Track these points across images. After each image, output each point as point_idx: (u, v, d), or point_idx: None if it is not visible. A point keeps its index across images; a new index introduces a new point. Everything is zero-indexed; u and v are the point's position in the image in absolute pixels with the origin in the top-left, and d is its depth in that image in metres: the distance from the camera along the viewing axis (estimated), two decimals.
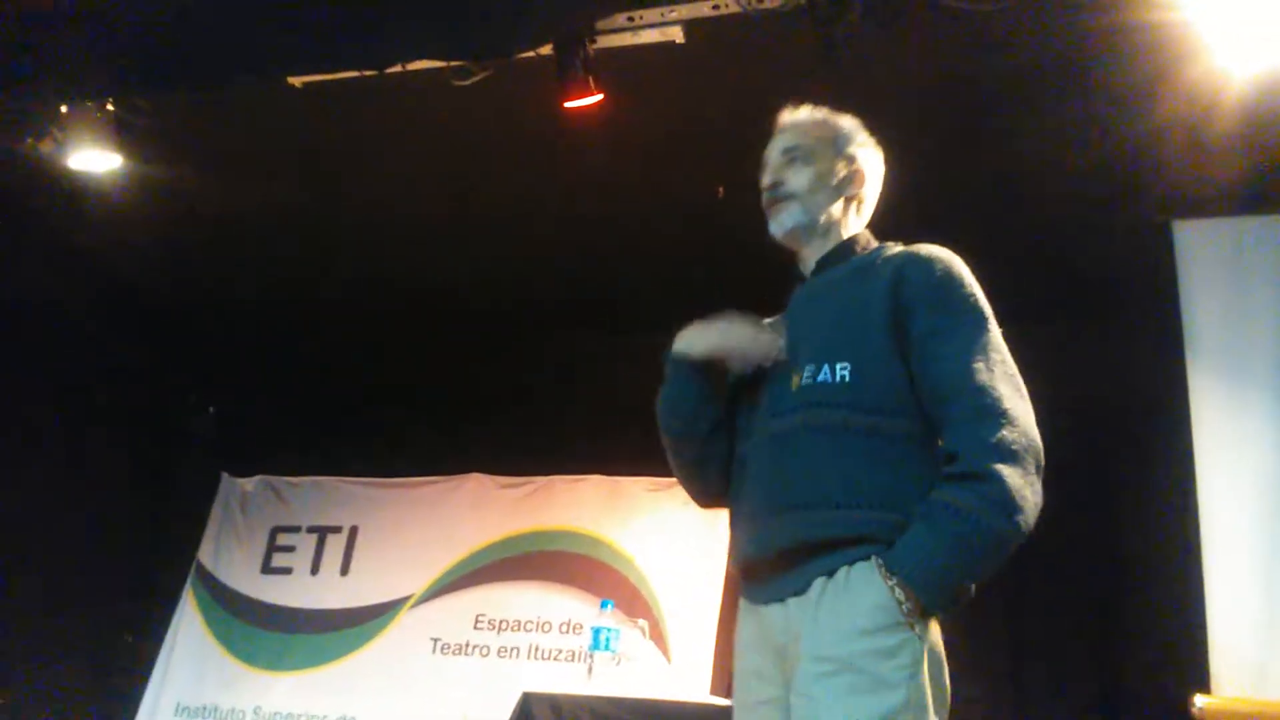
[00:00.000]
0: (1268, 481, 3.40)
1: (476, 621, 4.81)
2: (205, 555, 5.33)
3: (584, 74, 3.11)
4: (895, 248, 1.74)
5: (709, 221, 4.07)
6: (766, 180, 1.80)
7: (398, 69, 3.20)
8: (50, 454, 4.71)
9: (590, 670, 3.82)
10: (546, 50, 3.13)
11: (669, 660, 4.41)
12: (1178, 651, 3.52)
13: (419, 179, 4.18)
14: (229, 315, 5.37)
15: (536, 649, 4.67)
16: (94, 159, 3.73)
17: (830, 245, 1.76)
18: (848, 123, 1.82)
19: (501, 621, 4.79)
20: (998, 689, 4.10)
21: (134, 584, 5.22)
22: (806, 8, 2.86)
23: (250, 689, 4.92)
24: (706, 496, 1.79)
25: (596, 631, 3.91)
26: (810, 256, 1.78)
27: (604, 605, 4.10)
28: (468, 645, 4.77)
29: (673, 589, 4.58)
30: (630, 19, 3.07)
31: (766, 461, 1.61)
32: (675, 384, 1.74)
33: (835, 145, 1.79)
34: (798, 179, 1.75)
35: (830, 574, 1.48)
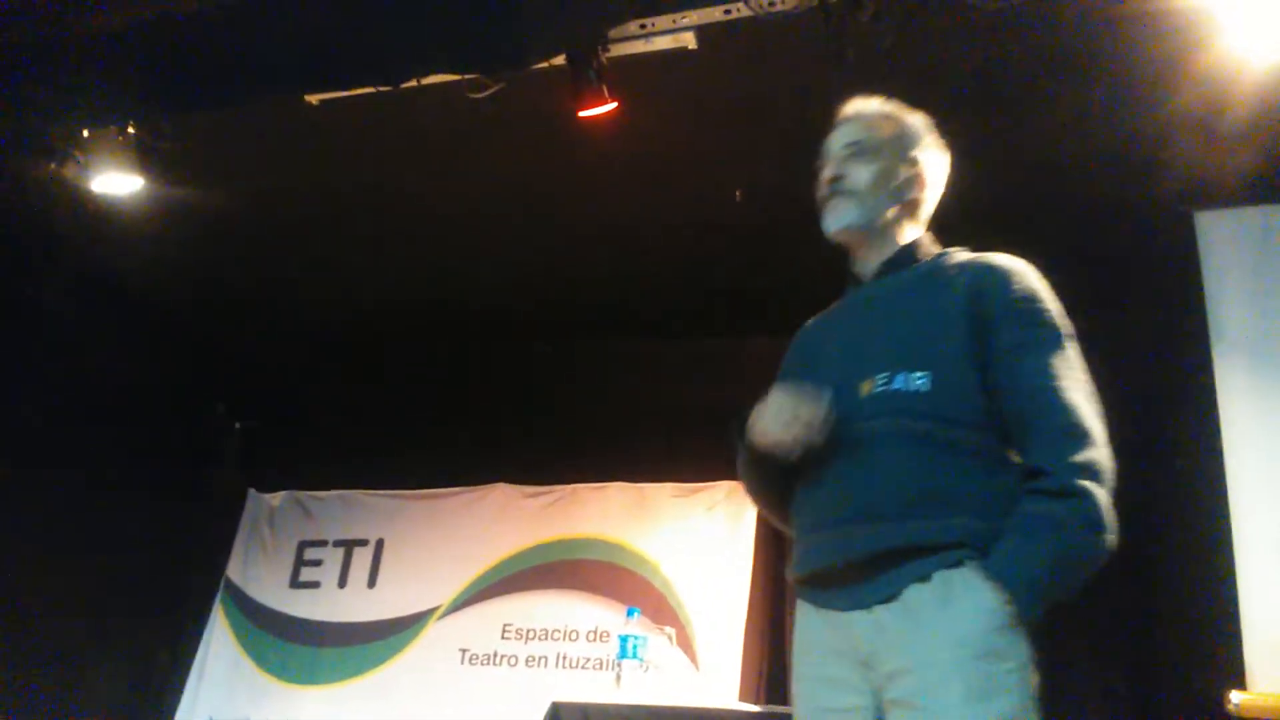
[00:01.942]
0: None
1: (504, 631, 4.81)
2: (234, 571, 5.37)
3: (598, 83, 3.11)
4: (961, 253, 1.71)
5: (727, 226, 4.06)
6: (828, 173, 1.76)
7: (413, 83, 3.22)
8: (78, 473, 4.74)
9: (619, 678, 3.82)
10: (560, 61, 3.14)
11: (697, 667, 4.39)
12: (1212, 647, 3.47)
13: (438, 192, 4.19)
14: (253, 332, 5.42)
15: (564, 658, 4.66)
16: (116, 181, 3.77)
17: (888, 248, 1.73)
18: (916, 122, 1.79)
19: (529, 631, 4.79)
20: (1039, 667, 4.05)
21: (165, 600, 5.25)
22: (818, 9, 2.85)
23: (281, 702, 4.94)
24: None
25: (624, 640, 3.90)
26: (866, 258, 1.75)
27: (630, 613, 4.09)
28: (496, 655, 4.77)
29: (699, 595, 4.56)
30: (643, 26, 3.08)
31: (841, 468, 1.55)
32: (755, 472, 1.73)
33: (900, 145, 1.76)
34: (859, 175, 1.72)
35: (924, 579, 1.44)
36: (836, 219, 1.73)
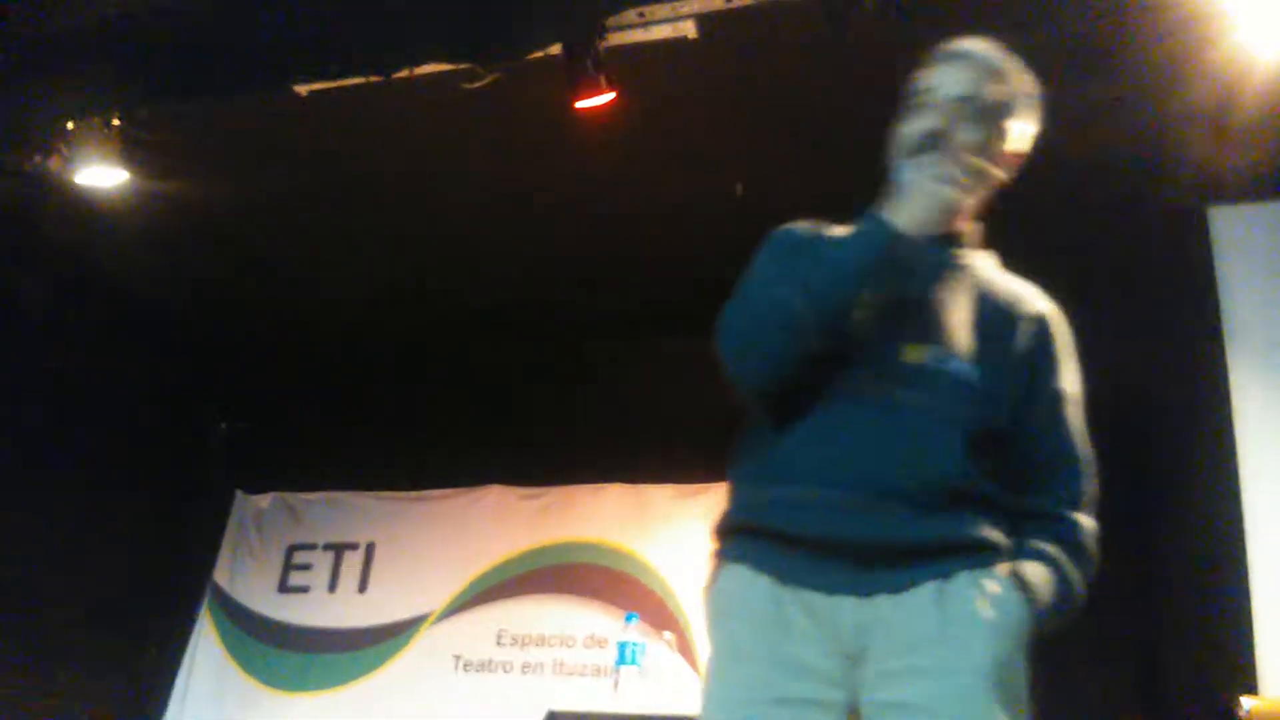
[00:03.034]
0: None
1: (499, 638, 4.77)
2: (221, 575, 5.32)
3: (595, 73, 3.07)
4: (994, 259, 1.61)
5: (728, 220, 4.01)
6: (930, 123, 1.48)
7: (405, 74, 3.17)
8: (60, 472, 4.70)
9: (616, 685, 3.77)
10: (556, 50, 3.09)
11: (697, 673, 4.33)
12: (1223, 652, 3.45)
13: (430, 186, 4.15)
14: (240, 330, 5.37)
15: (561, 665, 4.60)
16: (101, 174, 3.74)
17: (953, 223, 1.54)
18: (1028, 85, 1.57)
19: (525, 637, 4.74)
20: (1038, 690, 4.02)
21: (151, 603, 5.20)
22: None
23: (270, 711, 4.89)
24: (787, 383, 1.44)
25: (622, 646, 3.86)
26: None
27: (629, 618, 4.04)
28: (490, 662, 4.72)
29: (699, 599, 4.50)
30: (641, 15, 3.04)
31: (868, 430, 1.41)
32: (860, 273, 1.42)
33: (1007, 113, 1.53)
34: (969, 136, 1.47)
35: (946, 577, 1.35)
36: (945, 195, 1.45)
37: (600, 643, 4.55)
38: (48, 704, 4.60)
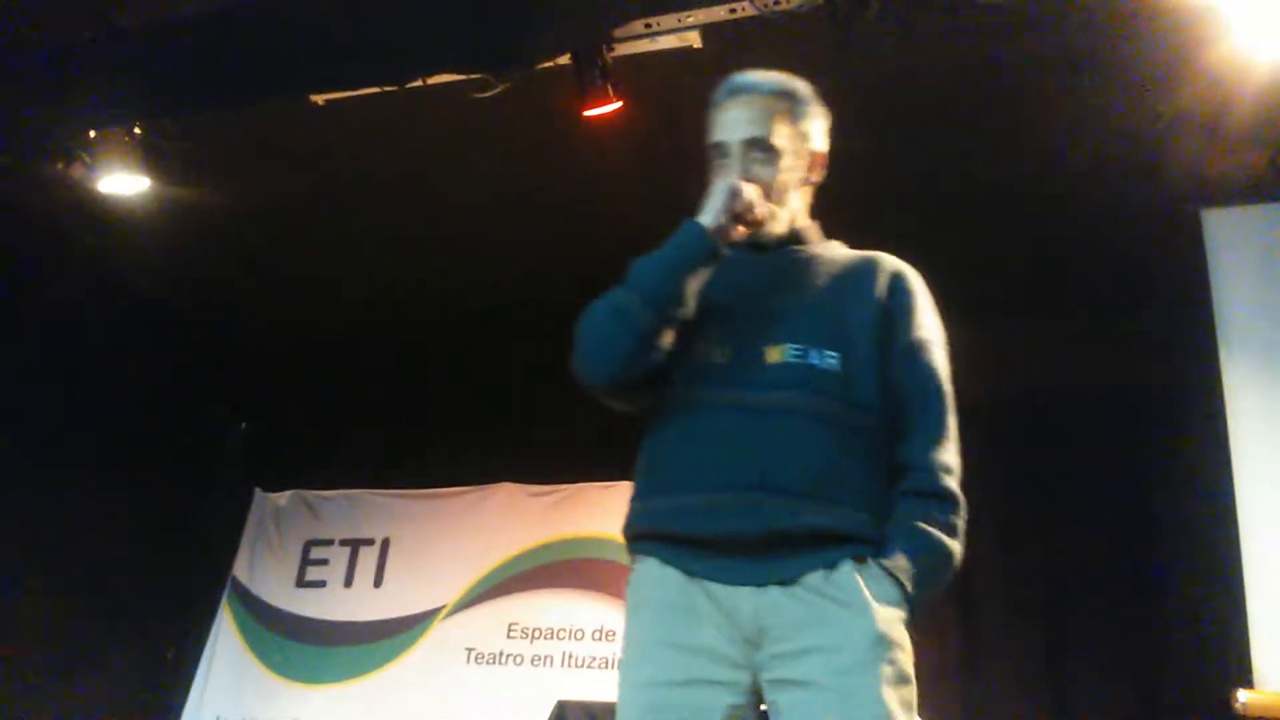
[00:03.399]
0: None
1: (510, 630, 4.81)
2: (240, 570, 5.37)
3: (603, 82, 3.11)
4: (840, 245, 1.75)
5: None
6: (727, 162, 1.67)
7: (418, 83, 3.22)
8: (84, 472, 4.74)
9: None
10: (565, 60, 3.14)
11: None
12: (1219, 646, 3.48)
13: (442, 192, 4.19)
14: (259, 331, 5.42)
15: (570, 657, 4.65)
16: (123, 182, 3.79)
17: (789, 224, 1.69)
18: (805, 93, 1.72)
19: (535, 630, 4.79)
20: (1038, 685, 4.06)
21: (171, 600, 5.25)
22: (824, 7, 2.85)
23: (288, 702, 4.94)
24: (629, 375, 1.58)
25: None
26: (767, 230, 1.69)
27: None
28: (502, 654, 4.77)
29: None
30: (648, 25, 3.08)
31: (742, 432, 1.51)
32: (671, 290, 1.57)
33: (800, 137, 1.68)
34: (765, 174, 1.64)
35: (831, 567, 1.47)
36: (733, 193, 1.61)
37: (608, 635, 4.60)
38: (71, 698, 4.65)
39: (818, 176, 1.74)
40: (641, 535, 1.60)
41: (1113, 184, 3.67)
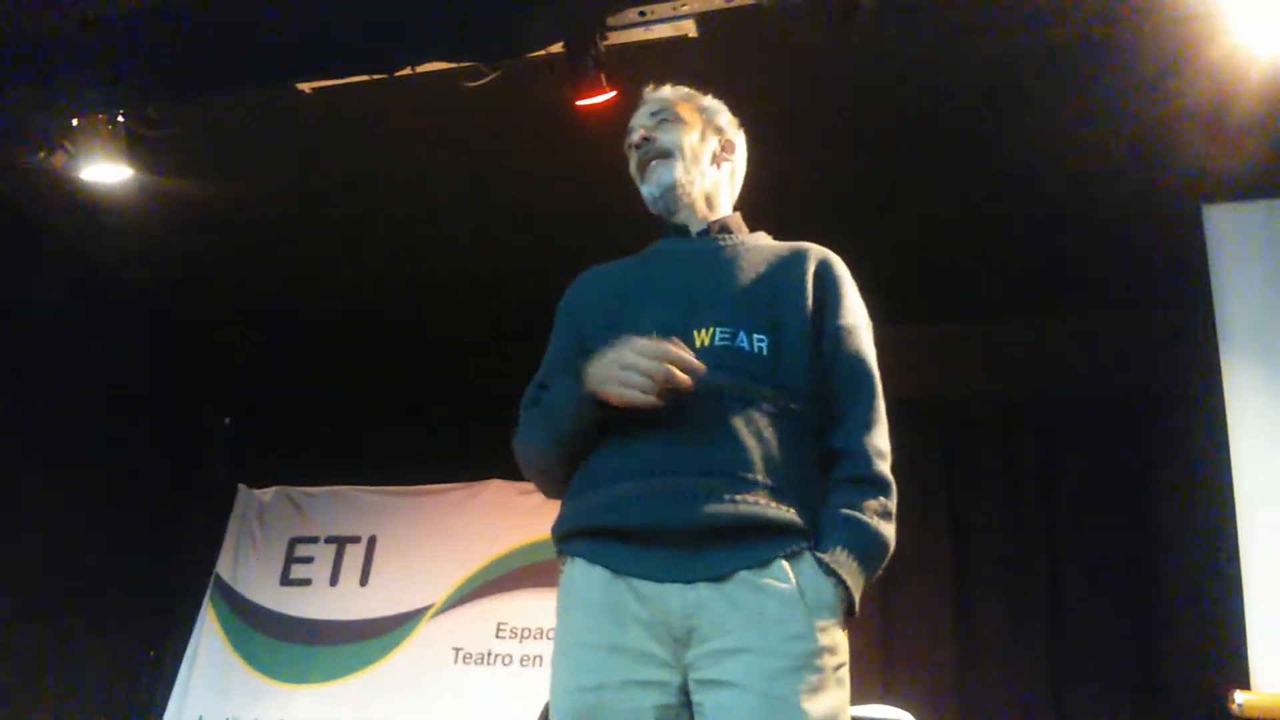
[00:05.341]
0: None
1: (498, 630, 4.79)
2: (224, 568, 5.32)
3: (596, 71, 3.08)
4: (766, 236, 1.77)
5: None
6: (636, 138, 1.78)
7: (408, 72, 3.18)
8: (65, 468, 4.69)
9: None
10: (557, 49, 3.10)
11: None
12: (1216, 647, 3.46)
13: (432, 183, 4.16)
14: (243, 325, 5.37)
15: None
16: (106, 171, 3.72)
17: (711, 212, 1.76)
18: (712, 100, 1.84)
19: (524, 630, 4.76)
20: (1035, 684, 4.05)
21: (153, 597, 5.21)
22: None
23: (273, 702, 4.90)
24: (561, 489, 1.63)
25: None
26: (687, 220, 1.76)
27: None
28: (490, 654, 4.74)
29: None
30: (642, 14, 3.05)
31: (669, 417, 1.47)
32: (574, 428, 1.56)
33: (704, 114, 1.80)
34: (671, 136, 1.74)
35: (763, 564, 1.43)
36: (659, 180, 1.73)
37: None
38: (51, 698, 4.61)
39: (732, 158, 1.80)
40: (569, 534, 1.56)
41: (1112, 179, 3.66)
